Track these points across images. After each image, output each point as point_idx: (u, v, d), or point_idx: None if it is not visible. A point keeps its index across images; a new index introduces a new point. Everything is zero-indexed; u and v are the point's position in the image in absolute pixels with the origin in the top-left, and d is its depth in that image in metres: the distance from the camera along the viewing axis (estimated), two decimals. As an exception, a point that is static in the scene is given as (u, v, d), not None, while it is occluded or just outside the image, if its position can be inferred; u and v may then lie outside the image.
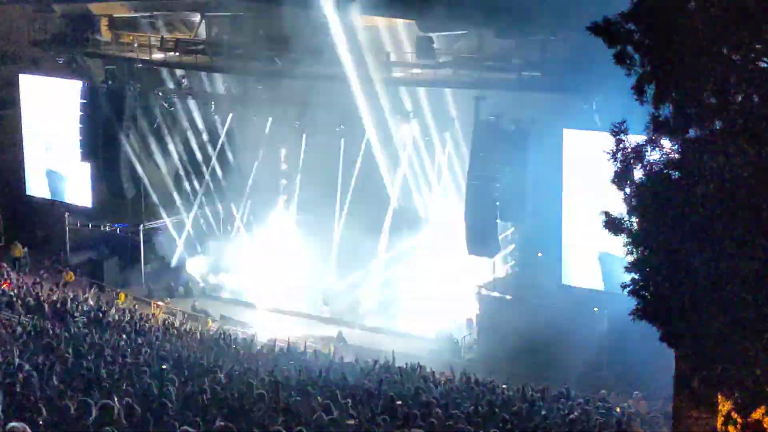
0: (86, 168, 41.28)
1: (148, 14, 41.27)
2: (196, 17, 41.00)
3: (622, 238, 10.97)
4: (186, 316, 36.45)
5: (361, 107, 35.90)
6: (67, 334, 25.79)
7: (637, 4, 10.65)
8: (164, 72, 41.76)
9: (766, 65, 10.17)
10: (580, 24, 11.79)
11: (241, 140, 42.48)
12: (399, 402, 17.59)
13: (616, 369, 28.33)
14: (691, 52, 10.14)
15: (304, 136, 40.48)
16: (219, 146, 42.51)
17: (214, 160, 42.63)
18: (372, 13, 33.79)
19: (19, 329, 25.97)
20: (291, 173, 42.27)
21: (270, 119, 40.86)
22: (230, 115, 41.65)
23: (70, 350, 22.77)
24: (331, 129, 38.96)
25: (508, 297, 33.36)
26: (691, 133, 10.44)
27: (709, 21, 10.04)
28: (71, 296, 33.52)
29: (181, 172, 42.43)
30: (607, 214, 11.10)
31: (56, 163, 42.55)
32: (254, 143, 41.75)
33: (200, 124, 42.43)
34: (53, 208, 43.24)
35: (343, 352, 32.23)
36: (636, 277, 10.75)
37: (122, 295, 36.68)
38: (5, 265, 37.59)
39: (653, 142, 10.62)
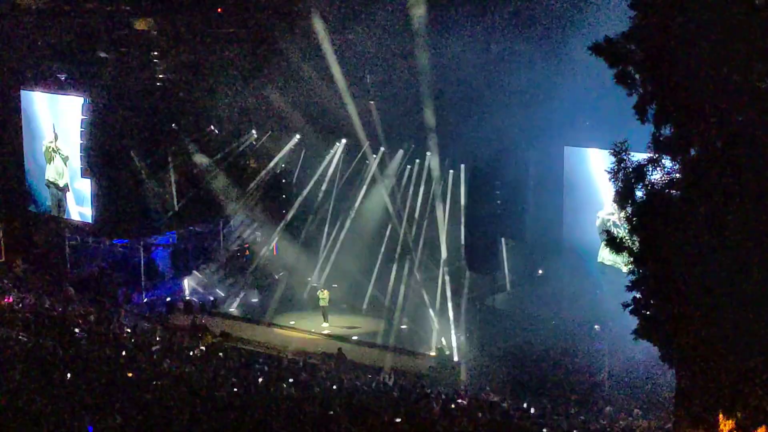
0: (87, 184, 41.33)
1: (152, 31, 41.41)
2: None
3: (624, 257, 11.00)
4: (186, 332, 36.34)
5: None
6: (66, 350, 25.78)
7: (638, 25, 10.70)
8: (166, 88, 41.85)
9: (765, 85, 10.21)
10: (581, 41, 11.85)
11: (243, 154, 42.55)
12: (398, 419, 17.59)
13: (617, 386, 28.26)
14: (691, 72, 10.18)
15: (304, 151, 40.72)
16: (220, 160, 42.56)
17: (215, 175, 42.65)
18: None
19: (18, 345, 25.95)
20: (291, 185, 42.49)
21: (269, 133, 41.06)
22: (230, 128, 41.79)
23: (70, 366, 22.78)
24: (330, 144, 39.58)
25: (509, 314, 33.29)
26: (693, 152, 10.47)
27: (709, 42, 10.08)
28: (71, 312, 33.47)
29: (182, 188, 42.38)
30: (608, 233, 11.14)
31: (57, 178, 42.59)
32: (255, 156, 41.94)
33: (201, 139, 42.44)
34: (54, 223, 43.22)
35: (343, 368, 32.16)
36: (637, 296, 10.77)
37: (122, 311, 36.56)
38: (5, 280, 37.53)
39: (655, 162, 10.66)
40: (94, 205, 41.55)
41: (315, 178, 41.31)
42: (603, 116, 28.92)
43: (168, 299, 40.19)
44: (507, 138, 32.70)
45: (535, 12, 31.76)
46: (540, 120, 31.86)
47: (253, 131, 41.89)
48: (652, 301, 10.59)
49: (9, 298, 34.17)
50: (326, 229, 41.08)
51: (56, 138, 42.00)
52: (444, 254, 36.39)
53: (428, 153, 37.25)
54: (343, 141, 40.00)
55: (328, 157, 40.71)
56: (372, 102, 36.91)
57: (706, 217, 9.95)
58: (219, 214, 43.29)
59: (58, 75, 42.53)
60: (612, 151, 10.93)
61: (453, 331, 35.56)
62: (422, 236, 38.33)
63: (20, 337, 27.96)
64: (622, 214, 10.91)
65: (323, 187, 41.05)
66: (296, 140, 41.22)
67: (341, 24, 35.53)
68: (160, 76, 40.88)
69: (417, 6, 32.64)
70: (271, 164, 42.56)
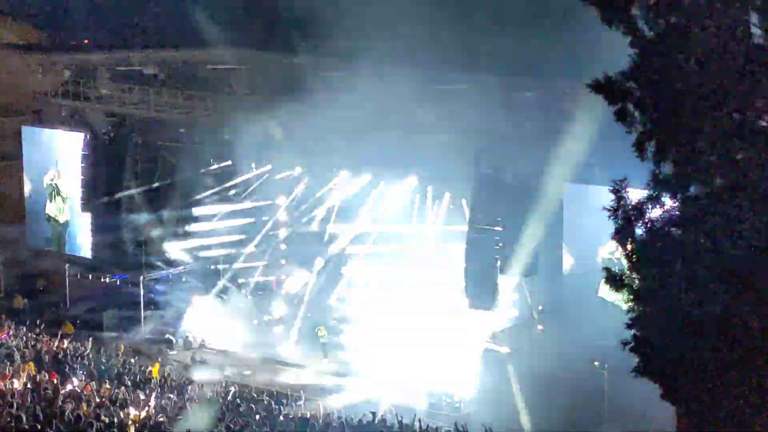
0: (87, 219, 41.39)
1: (150, 67, 41.64)
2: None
3: (624, 294, 10.96)
4: (185, 368, 36.20)
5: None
6: (65, 386, 25.68)
7: (637, 62, 10.73)
8: (166, 122, 42.02)
9: (765, 123, 10.23)
10: (580, 77, 11.89)
11: (243, 187, 42.58)
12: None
13: (619, 422, 28.14)
14: (690, 110, 10.20)
15: (305, 182, 40.84)
16: (221, 196, 42.56)
17: (216, 209, 42.66)
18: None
19: (17, 381, 25.84)
20: (290, 222, 42.51)
21: (269, 167, 41.14)
22: (229, 162, 41.86)
23: (68, 402, 22.67)
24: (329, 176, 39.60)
25: (509, 350, 33.17)
26: (692, 190, 10.47)
27: (708, 80, 10.11)
28: (70, 348, 33.36)
29: (183, 222, 42.38)
30: (608, 270, 11.10)
31: (57, 214, 42.67)
32: (254, 191, 42.08)
33: (201, 173, 42.47)
34: (54, 258, 43.23)
35: (342, 405, 31.96)
36: (637, 333, 10.72)
37: (121, 347, 36.46)
38: (5, 316, 37.45)
39: (654, 199, 10.65)
40: (93, 240, 41.60)
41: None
42: (605, 152, 28.98)
43: (168, 334, 40.02)
44: (507, 173, 32.77)
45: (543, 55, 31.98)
46: (541, 155, 31.86)
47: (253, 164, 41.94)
48: (652, 339, 10.55)
49: (8, 334, 34.09)
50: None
51: (58, 175, 42.16)
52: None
53: (429, 186, 37.34)
54: (343, 172, 39.79)
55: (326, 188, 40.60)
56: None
57: (706, 254, 9.94)
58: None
59: (60, 111, 42.77)
60: (611, 189, 10.93)
61: (454, 367, 35.39)
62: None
63: (19, 371, 27.89)
64: (622, 251, 10.89)
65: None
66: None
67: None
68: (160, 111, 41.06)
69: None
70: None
